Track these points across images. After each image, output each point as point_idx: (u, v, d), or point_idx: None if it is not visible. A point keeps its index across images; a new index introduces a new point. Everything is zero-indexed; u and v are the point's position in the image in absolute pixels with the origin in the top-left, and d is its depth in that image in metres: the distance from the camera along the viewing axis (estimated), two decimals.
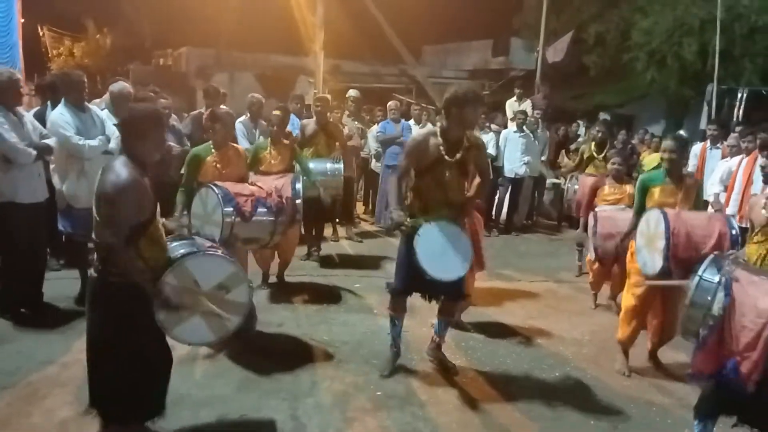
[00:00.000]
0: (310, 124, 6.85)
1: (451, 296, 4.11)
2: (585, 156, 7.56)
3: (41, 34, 24.93)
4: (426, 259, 3.72)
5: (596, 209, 5.68)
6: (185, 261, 2.89)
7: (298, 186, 5.16)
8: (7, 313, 4.60)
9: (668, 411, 3.88)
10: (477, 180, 4.15)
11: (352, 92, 8.78)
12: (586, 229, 5.92)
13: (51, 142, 4.73)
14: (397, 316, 4.18)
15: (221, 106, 4.67)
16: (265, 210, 4.46)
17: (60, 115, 4.77)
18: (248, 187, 4.53)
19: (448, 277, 3.76)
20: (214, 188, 4.24)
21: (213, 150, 4.53)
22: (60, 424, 3.26)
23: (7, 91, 4.49)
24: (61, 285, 5.07)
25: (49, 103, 5.37)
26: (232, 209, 4.21)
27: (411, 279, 3.92)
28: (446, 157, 3.83)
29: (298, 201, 5.07)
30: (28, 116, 4.84)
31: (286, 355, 4.34)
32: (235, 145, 4.83)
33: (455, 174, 3.88)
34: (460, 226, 3.89)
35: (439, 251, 3.74)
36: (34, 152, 4.55)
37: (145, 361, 2.88)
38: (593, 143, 7.55)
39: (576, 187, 7.36)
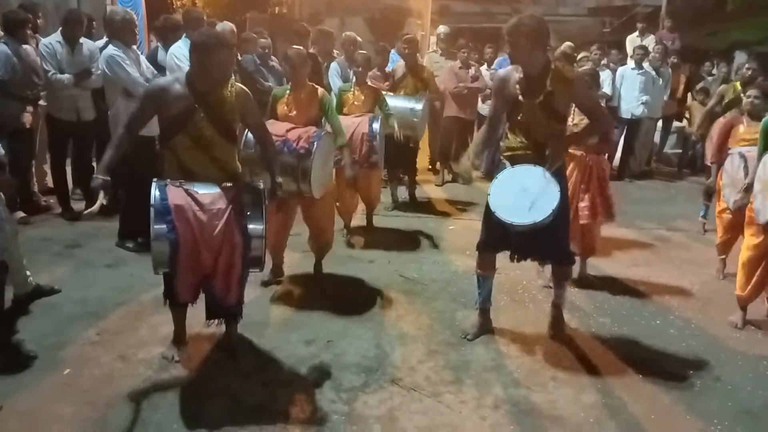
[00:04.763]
0: (401, 66, 6.67)
1: (554, 261, 3.70)
2: (728, 98, 6.62)
3: None
4: (497, 200, 3.38)
5: (729, 151, 4.75)
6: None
7: (375, 126, 5.05)
8: (130, 241, 4.98)
9: None
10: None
11: (441, 28, 8.31)
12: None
13: None
14: (483, 274, 3.74)
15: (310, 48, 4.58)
16: (288, 153, 4.11)
17: (179, 48, 5.09)
18: (284, 129, 4.19)
19: (519, 221, 3.30)
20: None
21: (288, 91, 4.32)
22: (163, 337, 3.53)
23: (123, 30, 4.77)
24: None
25: (159, 45, 5.65)
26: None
27: (495, 231, 3.50)
28: (521, 98, 3.39)
29: (375, 142, 5.01)
30: (141, 57, 5.12)
31: (376, 289, 4.40)
32: (314, 86, 4.43)
33: (540, 115, 3.38)
34: (549, 171, 3.35)
35: (515, 194, 3.33)
36: None
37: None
38: (738, 83, 6.62)
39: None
